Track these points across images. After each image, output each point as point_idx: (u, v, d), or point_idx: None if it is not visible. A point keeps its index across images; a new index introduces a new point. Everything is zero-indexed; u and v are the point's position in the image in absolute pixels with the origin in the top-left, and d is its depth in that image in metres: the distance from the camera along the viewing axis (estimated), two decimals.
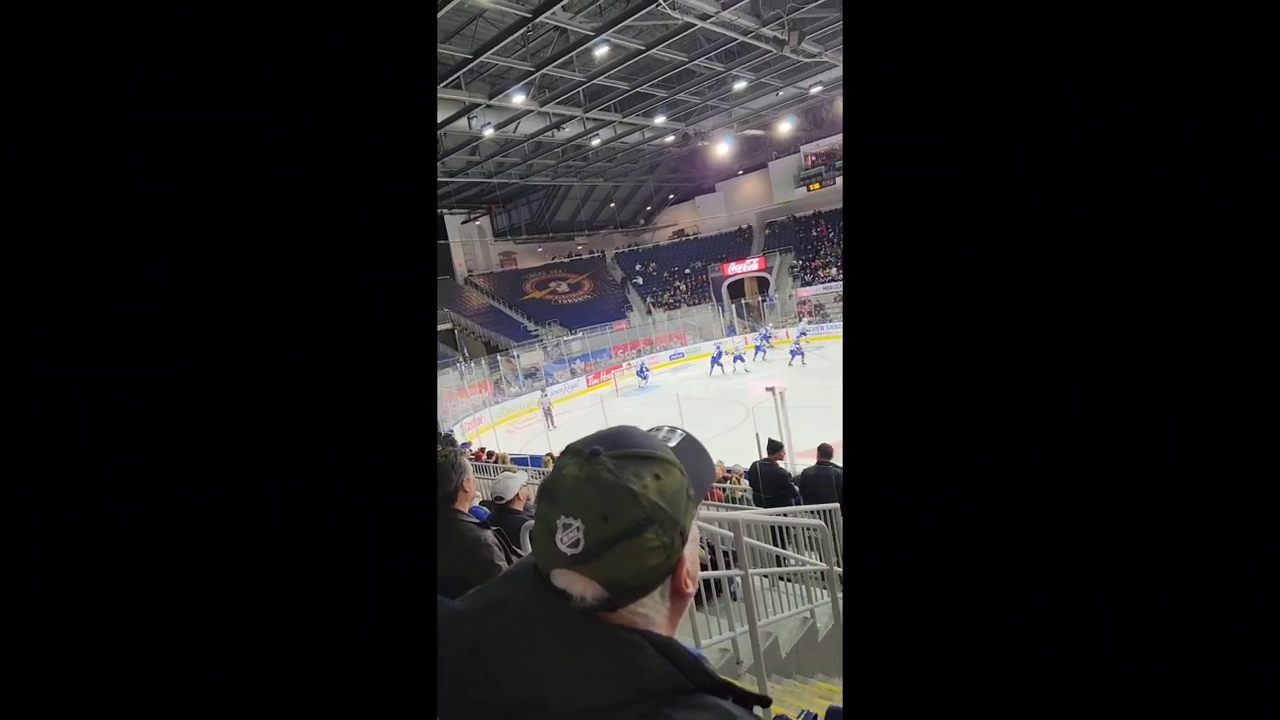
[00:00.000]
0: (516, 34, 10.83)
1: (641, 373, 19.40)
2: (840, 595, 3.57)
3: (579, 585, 0.49)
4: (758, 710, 0.52)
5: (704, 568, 2.88)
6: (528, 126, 16.38)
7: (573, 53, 12.53)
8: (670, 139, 22.37)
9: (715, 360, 18.95)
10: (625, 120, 18.28)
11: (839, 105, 24.21)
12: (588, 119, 17.06)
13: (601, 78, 14.49)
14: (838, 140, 27.72)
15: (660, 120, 19.48)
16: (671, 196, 33.27)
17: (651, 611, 0.51)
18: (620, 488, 0.49)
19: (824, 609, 3.66)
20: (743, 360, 18.72)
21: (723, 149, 24.72)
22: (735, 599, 2.91)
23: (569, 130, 17.67)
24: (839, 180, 27.41)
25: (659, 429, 0.58)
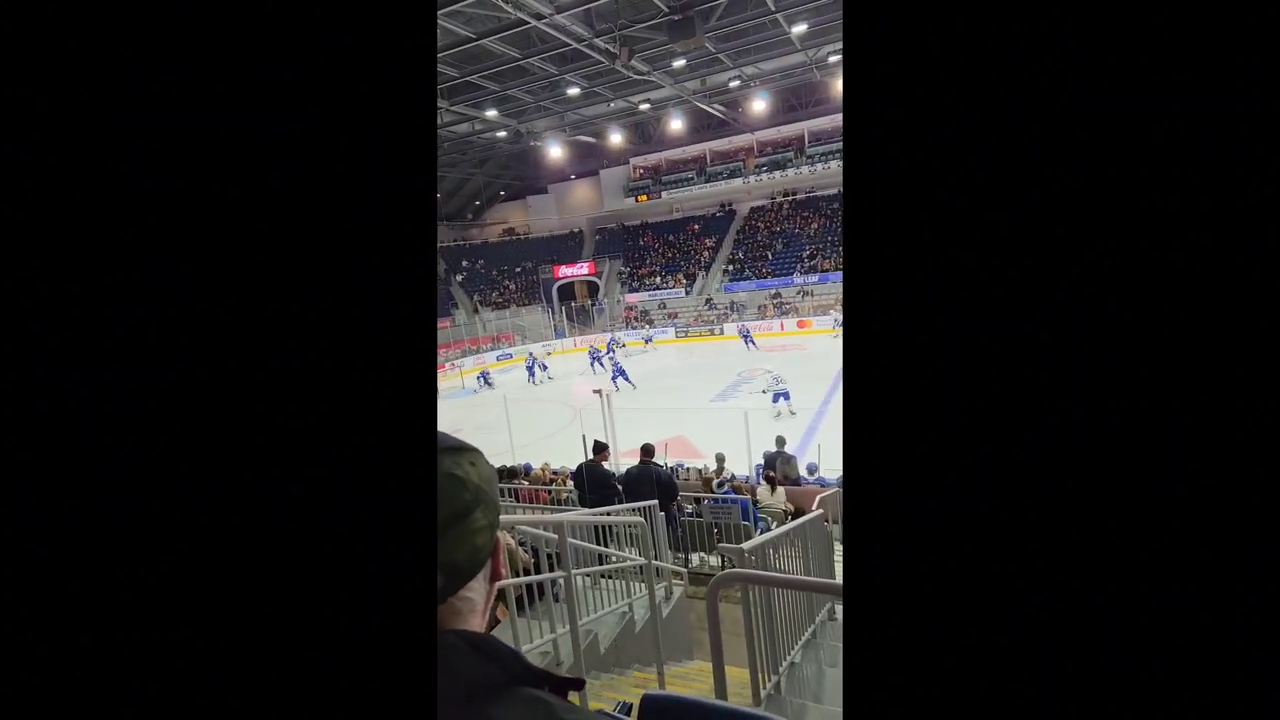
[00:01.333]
0: None
1: (482, 377, 18.97)
2: (657, 586, 3.76)
3: None
4: (575, 698, 0.55)
5: (527, 571, 2.92)
6: None
7: None
8: (502, 134, 22.20)
9: (529, 368, 18.84)
10: (453, 109, 17.99)
11: (665, 124, 24.74)
12: None
13: None
14: (663, 156, 28.55)
15: (491, 114, 19.28)
16: (502, 193, 32.91)
17: (475, 595, 0.55)
18: (446, 475, 0.53)
19: (641, 602, 3.78)
20: (546, 368, 18.76)
21: (555, 151, 24.84)
22: (558, 600, 2.97)
23: None
24: (665, 194, 28.30)
25: None
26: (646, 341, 22.41)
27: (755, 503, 6.16)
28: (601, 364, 19.14)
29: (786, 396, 12.65)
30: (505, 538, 0.59)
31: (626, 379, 16.30)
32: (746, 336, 20.76)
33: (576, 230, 31.14)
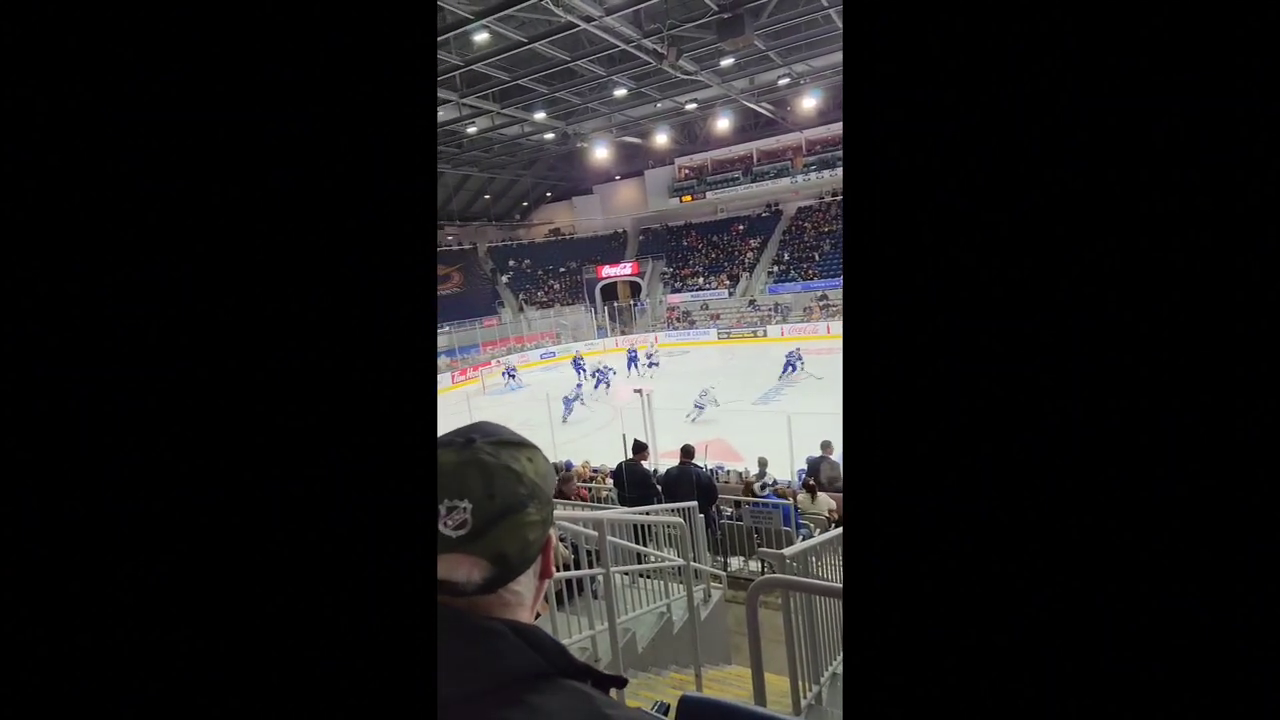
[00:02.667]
0: None
1: (508, 374, 18.60)
2: (695, 588, 3.76)
3: (463, 568, 0.52)
4: (614, 695, 0.55)
5: (567, 567, 2.96)
6: None
7: (450, 34, 12.24)
8: (550, 136, 22.21)
9: (575, 365, 18.48)
10: (504, 111, 18.07)
11: (711, 123, 24.40)
12: (463, 104, 16.68)
13: (480, 64, 14.16)
14: (709, 156, 28.28)
15: (540, 116, 19.31)
16: (549, 194, 33.11)
17: (524, 589, 0.55)
18: (503, 468, 0.54)
19: (679, 603, 3.78)
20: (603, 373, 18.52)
21: (601, 152, 24.70)
22: (596, 597, 3.00)
23: (443, 114, 17.14)
24: (710, 194, 27.97)
25: None
26: (650, 365, 19.92)
27: (796, 508, 6.10)
28: (637, 366, 18.53)
29: (702, 408, 13.10)
30: (554, 538, 0.59)
31: (568, 408, 14.82)
32: (792, 364, 16.67)
33: (620, 230, 30.98)
